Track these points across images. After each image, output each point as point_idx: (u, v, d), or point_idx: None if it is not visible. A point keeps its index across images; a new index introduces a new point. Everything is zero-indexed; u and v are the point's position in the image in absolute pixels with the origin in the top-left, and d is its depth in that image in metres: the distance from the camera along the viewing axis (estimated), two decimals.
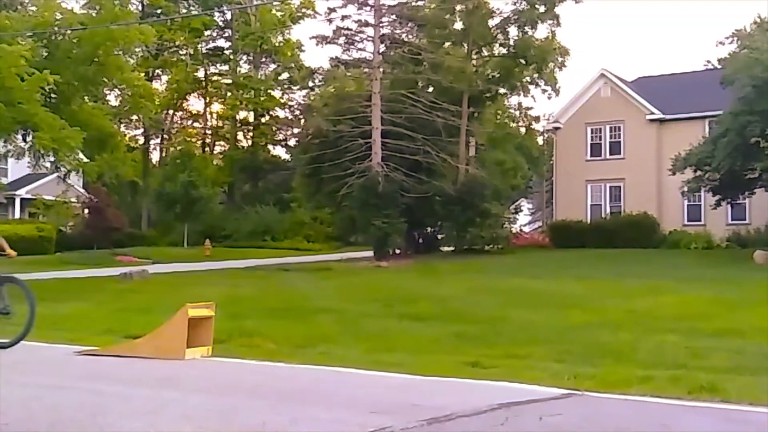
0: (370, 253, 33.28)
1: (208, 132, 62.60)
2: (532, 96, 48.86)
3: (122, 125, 51.48)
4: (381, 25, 34.80)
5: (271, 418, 5.73)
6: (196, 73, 59.20)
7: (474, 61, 38.10)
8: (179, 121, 63.65)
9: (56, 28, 27.65)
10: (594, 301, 15.26)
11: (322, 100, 41.41)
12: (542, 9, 35.51)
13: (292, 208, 48.89)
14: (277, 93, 58.87)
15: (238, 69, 58.78)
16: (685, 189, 30.02)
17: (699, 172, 28.74)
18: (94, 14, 29.16)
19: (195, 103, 62.99)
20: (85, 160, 30.40)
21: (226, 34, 59.60)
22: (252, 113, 59.59)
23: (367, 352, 9.87)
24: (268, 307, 15.24)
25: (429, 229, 38.31)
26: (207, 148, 61.73)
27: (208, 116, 62.65)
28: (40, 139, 25.20)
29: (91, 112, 29.13)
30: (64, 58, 27.52)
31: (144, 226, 51.75)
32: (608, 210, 37.22)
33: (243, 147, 60.68)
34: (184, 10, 56.15)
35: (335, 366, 8.59)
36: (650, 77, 40.91)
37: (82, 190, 41.77)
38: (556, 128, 39.81)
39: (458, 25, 37.37)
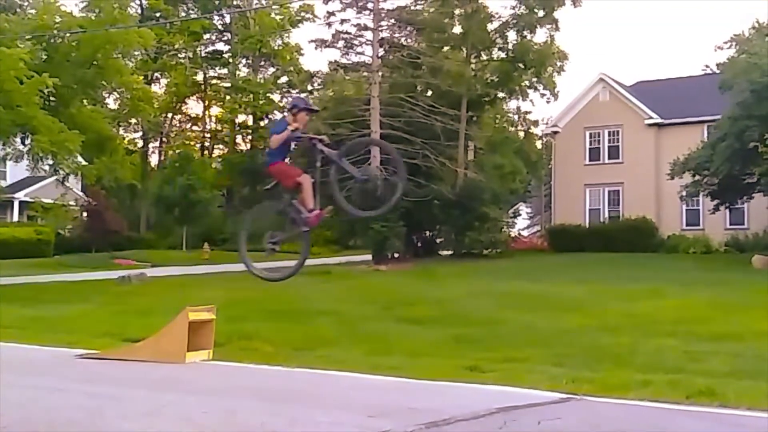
0: (369, 257, 33.26)
1: (207, 135, 62.60)
2: (531, 100, 48.95)
3: (121, 128, 51.41)
4: (380, 29, 34.83)
5: (269, 420, 5.73)
6: (195, 77, 59.20)
7: (473, 65, 38.13)
8: (178, 125, 63.67)
9: (55, 31, 27.64)
10: (593, 305, 15.25)
11: (321, 103, 41.35)
12: (541, 13, 35.58)
13: None
14: (276, 96, 58.88)
15: (237, 72, 58.79)
16: (684, 193, 30.05)
17: (697, 177, 28.77)
18: (93, 17, 29.12)
19: (194, 107, 63.08)
20: (84, 163, 30.38)
21: (225, 38, 59.63)
22: (251, 116, 59.59)
23: (366, 355, 9.88)
24: (267, 310, 15.22)
25: (428, 232, 38.31)
26: (206, 152, 61.75)
27: (207, 119, 62.69)
28: (38, 142, 25.17)
29: (90, 115, 29.09)
30: (63, 61, 27.49)
31: (143, 229, 51.71)
32: (607, 214, 37.25)
33: (242, 150, 60.68)
34: (183, 14, 56.20)
35: (334, 369, 8.59)
36: (649, 82, 40.96)
37: (80, 193, 41.74)
38: (555, 132, 39.85)
39: (457, 29, 37.42)
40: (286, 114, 8.94)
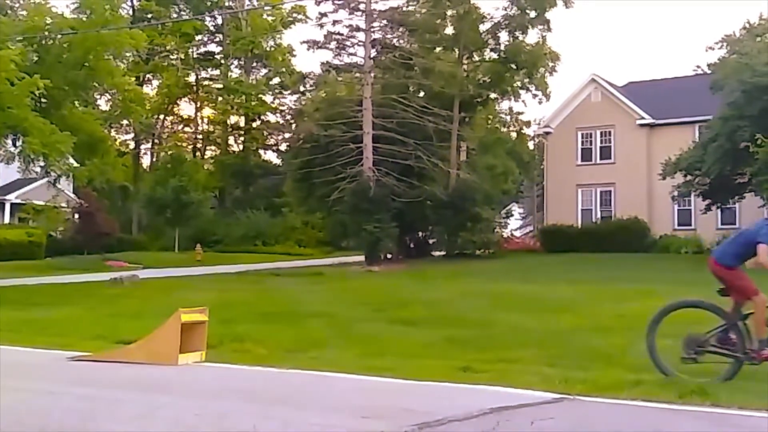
0: (362, 258, 33.26)
1: (199, 137, 62.53)
2: (523, 101, 48.75)
3: (113, 130, 51.33)
4: (372, 29, 34.82)
5: (262, 422, 5.72)
6: (187, 78, 59.15)
7: (465, 66, 38.19)
8: (170, 126, 63.58)
9: (46, 33, 27.56)
10: (585, 306, 15.26)
11: (314, 104, 41.34)
12: (533, 14, 35.67)
13: (283, 213, 48.80)
14: (268, 98, 58.85)
15: (229, 73, 58.76)
16: (675, 194, 30.16)
17: (689, 177, 28.88)
18: (84, 19, 29.04)
19: (186, 108, 63.03)
20: (76, 164, 30.27)
21: (217, 39, 59.59)
22: (243, 118, 59.56)
23: (359, 356, 9.87)
24: (259, 312, 15.20)
25: (420, 233, 38.34)
26: (198, 153, 61.64)
27: (199, 121, 62.63)
28: (30, 144, 25.07)
29: (82, 116, 29.03)
30: (55, 62, 27.41)
31: (135, 230, 51.59)
32: (599, 214, 37.33)
33: (234, 152, 60.65)
34: (175, 15, 56.11)
35: (327, 370, 8.58)
36: (640, 82, 41.07)
37: (72, 195, 41.60)
38: (547, 133, 39.93)
39: (449, 30, 37.47)
40: None
